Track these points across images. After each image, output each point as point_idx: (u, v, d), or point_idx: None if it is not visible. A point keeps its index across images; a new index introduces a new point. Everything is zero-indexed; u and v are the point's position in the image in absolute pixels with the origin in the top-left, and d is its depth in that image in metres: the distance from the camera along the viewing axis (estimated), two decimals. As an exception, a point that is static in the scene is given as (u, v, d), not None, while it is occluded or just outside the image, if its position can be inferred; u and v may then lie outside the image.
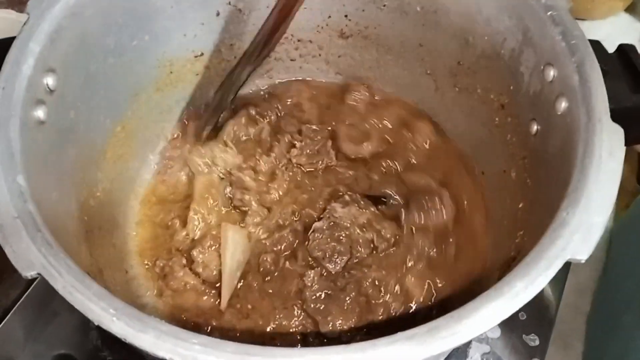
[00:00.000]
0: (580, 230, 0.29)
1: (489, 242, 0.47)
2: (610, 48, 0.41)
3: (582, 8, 0.71)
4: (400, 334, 0.26)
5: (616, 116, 0.33)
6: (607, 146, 0.32)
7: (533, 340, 0.52)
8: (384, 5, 0.51)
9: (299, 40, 0.57)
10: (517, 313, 0.51)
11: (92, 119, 0.45)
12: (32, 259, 0.28)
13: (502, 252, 0.42)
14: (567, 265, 0.55)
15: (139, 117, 0.51)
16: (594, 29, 0.74)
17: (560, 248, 0.28)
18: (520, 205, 0.42)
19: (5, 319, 0.48)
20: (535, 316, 0.53)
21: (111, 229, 0.47)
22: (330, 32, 0.55)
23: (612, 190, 0.30)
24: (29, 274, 0.28)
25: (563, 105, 0.36)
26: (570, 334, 0.55)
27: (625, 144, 0.32)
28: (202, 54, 0.54)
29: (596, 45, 0.38)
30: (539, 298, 0.53)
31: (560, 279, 0.56)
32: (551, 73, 0.38)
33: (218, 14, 0.51)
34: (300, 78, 0.60)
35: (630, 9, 0.75)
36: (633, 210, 0.58)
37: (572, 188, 0.31)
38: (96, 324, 0.27)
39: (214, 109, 0.52)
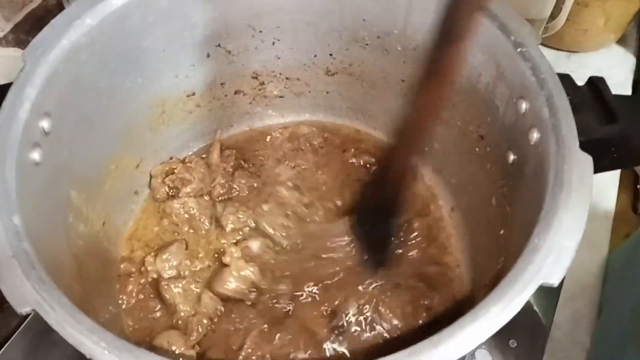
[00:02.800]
0: (552, 255, 0.30)
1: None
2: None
3: (574, 41, 0.73)
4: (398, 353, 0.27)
5: (586, 147, 0.35)
6: (577, 173, 0.33)
7: (524, 368, 0.52)
8: (367, 45, 0.53)
9: (287, 78, 0.59)
10: (507, 341, 0.53)
11: (86, 158, 0.46)
12: (26, 295, 0.29)
13: (486, 277, 0.43)
14: (558, 291, 0.57)
15: (131, 155, 0.53)
16: (586, 62, 0.76)
17: (533, 272, 0.29)
18: (501, 232, 0.43)
19: (5, 347, 0.49)
20: (526, 344, 0.53)
21: (101, 265, 0.48)
22: (316, 70, 0.58)
23: (582, 215, 0.31)
24: (23, 310, 0.29)
25: (535, 135, 0.38)
26: None
27: (596, 172, 0.34)
28: (193, 94, 0.56)
29: (566, 79, 0.40)
30: (529, 326, 0.54)
31: (550, 306, 0.57)
32: (523, 106, 0.40)
33: (208, 56, 0.54)
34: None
35: (622, 41, 0.78)
36: (633, 240, 0.59)
37: (543, 214, 0.32)
38: (88, 357, 0.27)
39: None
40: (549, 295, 0.57)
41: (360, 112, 0.61)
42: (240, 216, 0.53)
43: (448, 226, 0.54)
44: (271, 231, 0.52)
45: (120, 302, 0.49)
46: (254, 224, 0.53)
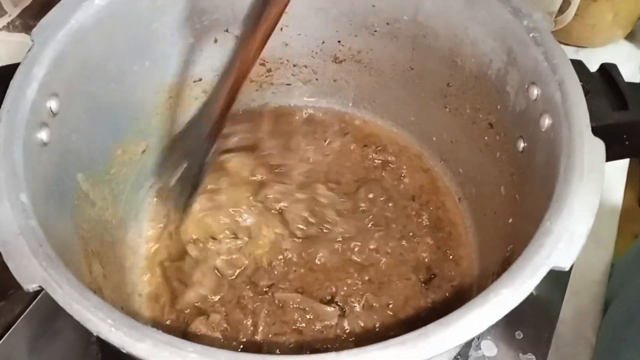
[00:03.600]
0: (563, 239, 0.30)
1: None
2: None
3: (582, 36, 0.72)
4: (392, 340, 0.27)
5: (598, 133, 0.35)
6: (589, 159, 0.33)
7: (530, 360, 0.52)
8: (375, 31, 0.53)
9: (294, 65, 0.59)
10: (513, 332, 0.53)
11: (93, 141, 0.46)
12: (33, 272, 0.29)
13: (494, 266, 0.42)
14: (564, 286, 0.57)
15: (138, 140, 0.53)
16: (594, 57, 0.75)
17: (544, 256, 0.29)
18: (510, 220, 0.43)
19: (8, 333, 0.49)
20: (532, 336, 0.53)
21: (108, 250, 0.48)
22: (324, 57, 0.57)
23: (594, 200, 0.31)
24: (30, 286, 0.29)
25: (547, 122, 0.38)
26: (573, 358, 0.56)
27: (607, 160, 0.34)
28: (200, 79, 0.55)
29: (578, 65, 0.40)
30: (536, 318, 0.54)
31: (558, 298, 0.56)
32: (535, 92, 0.39)
33: (216, 41, 0.53)
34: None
35: (630, 37, 0.77)
36: None
37: (555, 199, 0.32)
38: (95, 334, 0.27)
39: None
40: (555, 287, 0.56)
41: (368, 100, 0.60)
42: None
43: (455, 217, 0.53)
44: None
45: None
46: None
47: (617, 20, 0.71)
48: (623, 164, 0.68)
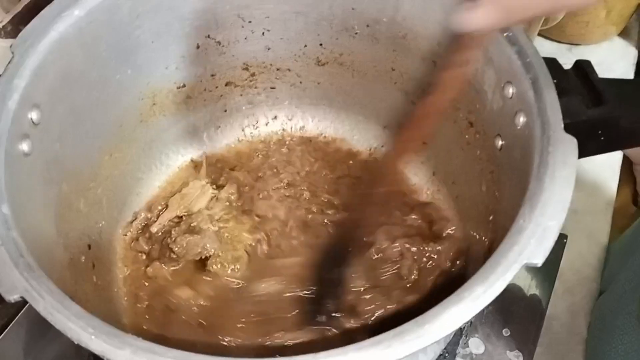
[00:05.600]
0: (536, 235, 0.30)
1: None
2: (605, 73, 0.42)
3: (576, 33, 0.72)
4: (367, 341, 0.27)
5: (573, 129, 0.35)
6: (561, 155, 0.33)
7: (517, 357, 0.52)
8: (356, 33, 0.54)
9: (278, 69, 0.59)
10: (501, 329, 0.54)
11: (77, 152, 0.47)
12: (15, 282, 0.30)
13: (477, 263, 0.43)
14: (552, 282, 0.57)
15: (124, 148, 0.53)
16: (588, 54, 0.75)
17: (517, 253, 0.30)
18: (491, 218, 0.43)
19: (2, 335, 0.50)
20: (519, 333, 0.54)
21: (95, 259, 0.48)
22: (307, 60, 0.58)
23: (566, 196, 0.32)
24: (12, 297, 0.29)
25: (521, 119, 0.38)
26: (566, 355, 0.56)
27: (581, 156, 0.34)
28: (184, 85, 0.56)
29: (552, 63, 0.41)
30: (523, 315, 0.55)
31: (544, 295, 0.57)
32: (510, 90, 0.40)
33: (198, 47, 0.54)
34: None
35: (624, 34, 0.77)
36: (634, 231, 0.59)
37: (528, 196, 0.32)
38: (75, 342, 0.28)
39: None
40: (543, 283, 0.57)
41: (352, 101, 0.61)
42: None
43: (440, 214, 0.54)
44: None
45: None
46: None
47: (611, 17, 0.71)
48: (616, 161, 0.68)
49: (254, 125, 0.62)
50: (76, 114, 0.46)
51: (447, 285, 0.47)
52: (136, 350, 0.27)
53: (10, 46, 0.40)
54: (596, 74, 0.42)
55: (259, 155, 0.60)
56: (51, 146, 0.43)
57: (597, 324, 0.56)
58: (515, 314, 0.55)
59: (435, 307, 0.28)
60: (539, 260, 0.29)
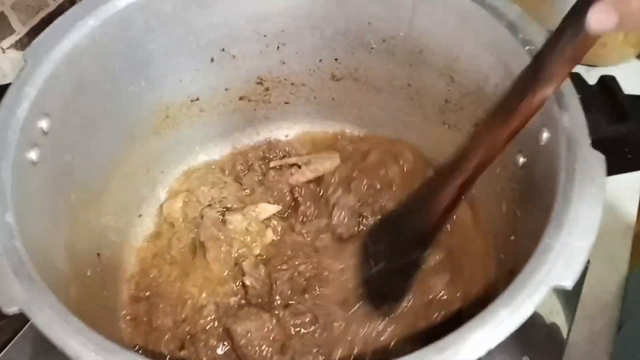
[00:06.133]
0: (564, 256, 0.28)
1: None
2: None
3: (593, 54, 0.70)
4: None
5: (597, 146, 0.33)
6: (588, 172, 0.32)
7: (536, 388, 0.50)
8: (372, 48, 0.53)
9: (292, 84, 0.58)
10: (520, 357, 0.51)
11: (88, 163, 0.46)
12: (14, 294, 0.28)
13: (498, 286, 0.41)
14: (573, 308, 0.55)
15: (136, 160, 0.53)
16: None
17: (544, 274, 0.28)
18: (512, 238, 0.42)
19: (7, 348, 0.49)
20: (539, 361, 0.51)
21: (103, 274, 0.47)
22: (322, 75, 0.57)
23: (595, 215, 0.30)
24: (10, 310, 0.28)
25: (545, 135, 0.37)
26: None
27: (609, 174, 0.33)
28: (197, 99, 0.55)
29: (576, 77, 0.39)
30: (544, 342, 0.52)
31: (566, 322, 0.54)
32: (533, 105, 0.38)
33: (212, 60, 0.53)
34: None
35: None
36: None
37: (554, 214, 0.31)
38: (74, 359, 0.26)
39: None
40: (564, 309, 0.54)
41: (368, 118, 0.60)
42: None
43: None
44: None
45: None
46: None
47: (629, 39, 0.69)
48: (636, 183, 0.66)
49: (266, 139, 0.61)
50: (88, 124, 0.45)
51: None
52: (139, 370, 0.25)
53: (23, 54, 0.39)
54: (622, 90, 0.40)
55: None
56: (61, 156, 0.42)
57: (620, 356, 0.53)
58: (534, 341, 0.52)
59: (456, 331, 0.26)
60: (568, 282, 0.27)
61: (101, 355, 0.26)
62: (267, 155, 0.60)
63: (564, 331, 0.53)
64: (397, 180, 0.54)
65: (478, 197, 0.51)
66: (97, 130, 0.46)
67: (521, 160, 0.41)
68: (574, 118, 0.35)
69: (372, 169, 0.56)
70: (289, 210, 0.56)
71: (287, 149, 0.60)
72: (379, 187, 0.54)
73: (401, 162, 0.55)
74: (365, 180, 0.55)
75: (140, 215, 0.54)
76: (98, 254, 0.47)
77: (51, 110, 0.40)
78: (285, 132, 0.62)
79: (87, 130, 0.45)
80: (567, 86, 0.36)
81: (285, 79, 0.58)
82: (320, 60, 0.56)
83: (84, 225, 0.45)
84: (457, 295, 0.46)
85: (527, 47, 0.39)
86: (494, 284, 0.44)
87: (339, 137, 0.60)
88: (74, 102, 0.43)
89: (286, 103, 0.60)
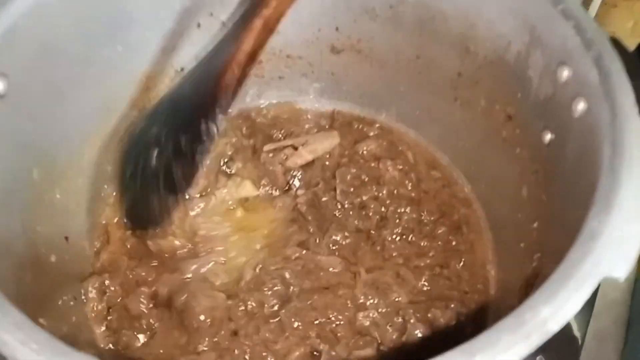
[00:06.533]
0: (616, 242, 0.23)
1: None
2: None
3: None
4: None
5: (639, 117, 0.29)
6: (638, 145, 0.27)
7: (552, 388, 0.45)
8: (377, 16, 0.47)
9: (287, 57, 0.53)
10: (534, 357, 0.46)
11: (53, 135, 0.41)
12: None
13: (518, 278, 0.36)
14: (590, 305, 0.50)
15: (108, 135, 0.47)
16: None
17: (593, 264, 0.23)
18: (535, 225, 0.37)
19: None
20: (556, 363, 0.47)
21: (68, 261, 0.42)
22: (321, 46, 0.52)
23: (650, 194, 0.25)
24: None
25: (580, 106, 0.32)
26: None
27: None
28: (182, 69, 0.50)
29: (614, 42, 0.34)
30: (559, 341, 0.47)
31: (584, 319, 0.50)
32: (565, 73, 0.34)
33: (199, 26, 0.48)
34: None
35: None
36: None
37: (600, 194, 0.26)
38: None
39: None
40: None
41: (370, 96, 0.54)
42: None
43: (470, 223, 0.47)
44: None
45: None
46: None
47: (637, 28, 0.66)
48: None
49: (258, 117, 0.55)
50: (54, 91, 0.40)
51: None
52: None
53: (-26, 2, 0.34)
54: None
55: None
56: (21, 123, 0.37)
57: (632, 356, 0.49)
58: (551, 339, 0.48)
59: (486, 332, 0.21)
60: (621, 273, 0.23)
61: (44, 356, 0.21)
62: (260, 134, 0.55)
63: (582, 330, 0.49)
64: (387, 177, 0.49)
65: (491, 184, 0.46)
66: (65, 99, 0.41)
67: (548, 137, 0.36)
68: (617, 85, 0.30)
69: (364, 159, 0.51)
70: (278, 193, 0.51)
71: (282, 129, 0.55)
72: (365, 179, 0.49)
73: (396, 160, 0.50)
74: (353, 170, 0.50)
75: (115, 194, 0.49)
76: (66, 238, 0.41)
77: (8, 70, 0.35)
78: (280, 110, 0.56)
79: (52, 97, 0.40)
80: (607, 49, 0.31)
81: (280, 51, 0.52)
82: (319, 30, 0.51)
83: (48, 204, 0.40)
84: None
85: (559, 7, 0.34)
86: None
87: (336, 116, 0.55)
88: (38, 63, 0.38)
89: (280, 78, 0.55)
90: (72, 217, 0.43)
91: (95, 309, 0.42)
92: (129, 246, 0.45)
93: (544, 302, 0.22)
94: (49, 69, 0.39)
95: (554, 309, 0.22)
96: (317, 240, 0.45)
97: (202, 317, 0.41)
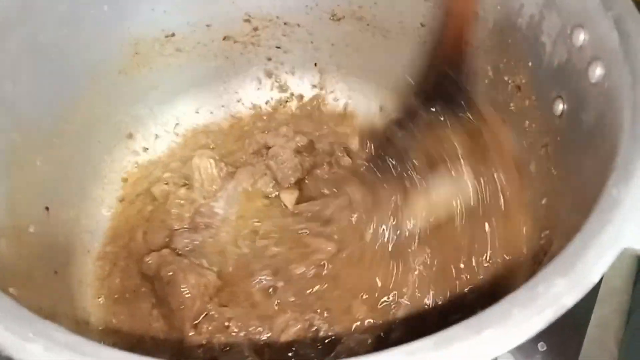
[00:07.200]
0: (637, 211, 0.21)
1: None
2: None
3: None
4: (397, 349, 0.18)
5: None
6: (663, 110, 0.25)
7: (554, 375, 0.44)
8: (380, -21, 0.45)
9: (285, 24, 0.51)
10: (536, 343, 0.45)
11: (35, 98, 0.38)
12: None
13: (524, 258, 0.34)
14: (595, 289, 0.49)
15: (98, 104, 0.45)
16: None
17: (612, 234, 0.21)
18: (544, 201, 0.35)
19: None
20: (558, 347, 0.46)
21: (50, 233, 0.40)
22: (320, 13, 0.49)
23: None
24: None
25: (598, 71, 0.30)
26: None
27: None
28: (173, 34, 0.47)
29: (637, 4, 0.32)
30: (562, 326, 0.46)
31: (588, 304, 0.48)
32: (581, 36, 0.31)
33: (190, -12, 0.45)
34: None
35: None
36: None
37: (621, 160, 0.24)
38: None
39: None
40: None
41: (371, 69, 0.52)
42: None
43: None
44: None
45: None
46: None
47: None
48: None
49: (256, 88, 0.53)
50: (37, 51, 0.38)
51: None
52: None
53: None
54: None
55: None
56: (0, 85, 0.34)
57: (631, 345, 0.48)
58: (552, 324, 0.46)
59: (497, 304, 0.19)
60: (643, 245, 0.21)
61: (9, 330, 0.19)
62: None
63: (586, 315, 0.47)
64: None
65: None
66: (48, 61, 0.39)
67: (560, 107, 0.34)
68: (638, 47, 0.27)
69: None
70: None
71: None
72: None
73: None
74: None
75: (102, 164, 0.46)
76: (47, 208, 0.39)
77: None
78: (277, 83, 0.54)
79: (35, 57, 0.38)
80: (629, 8, 0.29)
81: (277, 17, 0.50)
82: (319, -5, 0.48)
83: (29, 171, 0.37)
84: None
85: (576, -35, 0.31)
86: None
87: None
88: (18, 20, 0.35)
89: (278, 47, 0.52)
90: (55, 188, 0.41)
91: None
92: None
93: (560, 274, 0.20)
94: (30, 27, 0.37)
95: (570, 282, 0.20)
96: None
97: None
